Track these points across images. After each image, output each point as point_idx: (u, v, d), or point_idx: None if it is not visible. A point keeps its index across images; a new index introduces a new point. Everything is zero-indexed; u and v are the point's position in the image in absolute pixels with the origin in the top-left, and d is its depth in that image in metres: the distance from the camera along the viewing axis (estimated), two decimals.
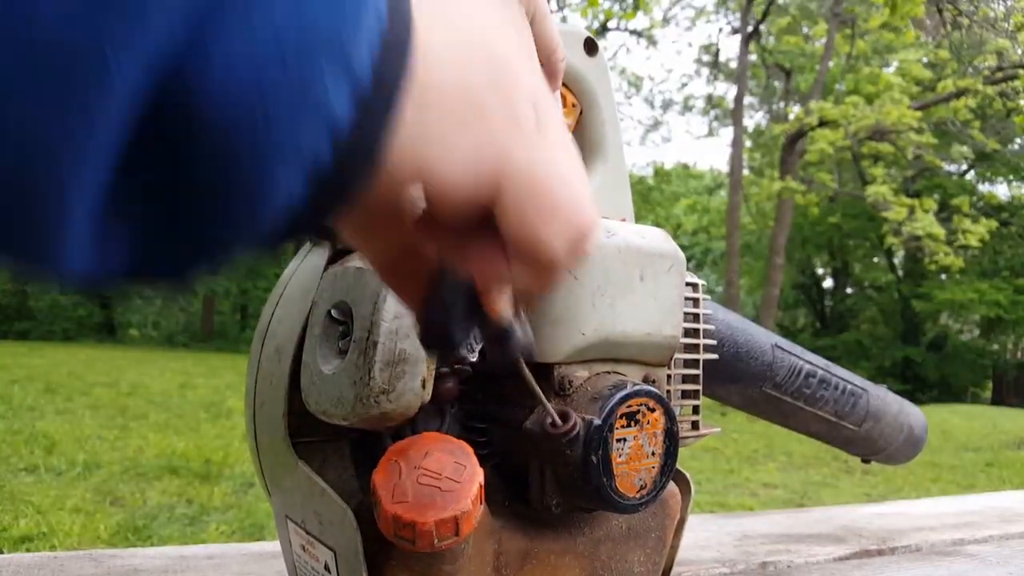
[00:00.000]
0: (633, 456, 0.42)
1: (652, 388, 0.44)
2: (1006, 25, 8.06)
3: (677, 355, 0.51)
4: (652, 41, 15.45)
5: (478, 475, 0.37)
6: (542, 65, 0.47)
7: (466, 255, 0.25)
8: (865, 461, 0.81)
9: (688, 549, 0.77)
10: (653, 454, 0.43)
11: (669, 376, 0.51)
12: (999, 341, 17.74)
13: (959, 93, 8.85)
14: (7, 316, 14.48)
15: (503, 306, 0.26)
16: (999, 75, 8.73)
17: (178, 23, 0.15)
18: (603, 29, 11.64)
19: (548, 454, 0.42)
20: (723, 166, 20.93)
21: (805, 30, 12.07)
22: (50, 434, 3.94)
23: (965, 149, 10.05)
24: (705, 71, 16.70)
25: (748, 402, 0.67)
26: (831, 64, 10.83)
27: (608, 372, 0.45)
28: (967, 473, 5.17)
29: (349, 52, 0.17)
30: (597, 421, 0.41)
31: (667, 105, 18.89)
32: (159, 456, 3.70)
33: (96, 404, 5.35)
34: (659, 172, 18.50)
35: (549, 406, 0.40)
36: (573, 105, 0.52)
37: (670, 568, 0.53)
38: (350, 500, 0.41)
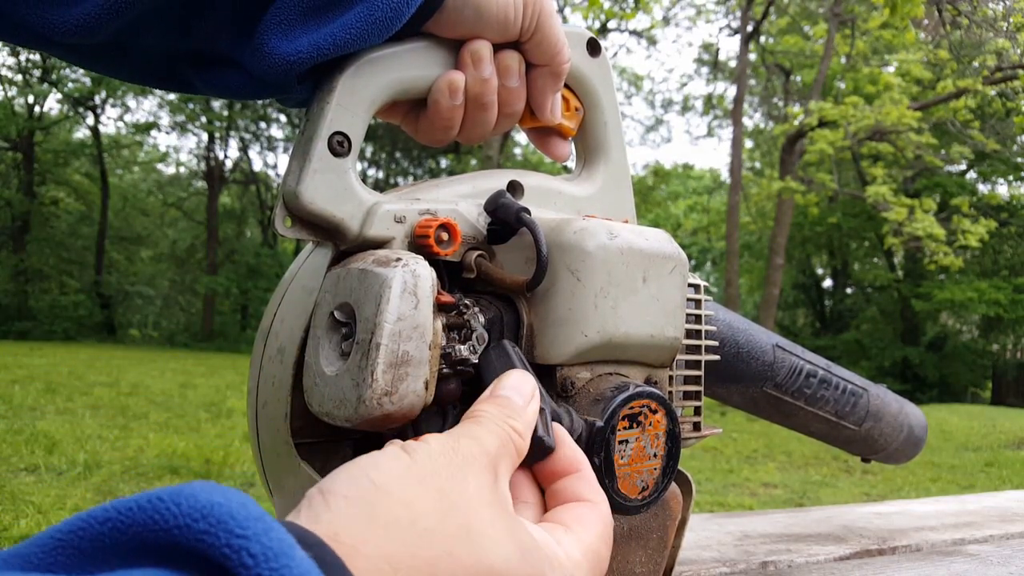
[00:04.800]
0: (635, 457, 0.43)
1: (654, 390, 0.44)
2: (1005, 25, 8.06)
3: (679, 356, 0.51)
4: (652, 41, 15.44)
5: None
6: (546, 66, 0.47)
7: None
8: (865, 460, 0.81)
9: (689, 549, 0.77)
10: (655, 455, 0.44)
11: (671, 377, 0.51)
12: (999, 341, 17.74)
13: (959, 93, 8.85)
14: (7, 316, 14.47)
15: None
16: (999, 75, 8.72)
17: None
18: (603, 29, 11.63)
19: None
20: (722, 167, 20.95)
21: (806, 29, 12.07)
22: (51, 434, 3.94)
23: (965, 149, 10.03)
24: (705, 71, 16.69)
25: (749, 402, 0.67)
26: (831, 63, 10.82)
27: (610, 373, 0.45)
28: (967, 473, 5.17)
29: None
30: (599, 423, 0.41)
31: (667, 105, 18.90)
32: (159, 456, 3.70)
33: (96, 404, 5.35)
34: (658, 172, 18.50)
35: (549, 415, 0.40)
36: (576, 109, 0.52)
37: (671, 568, 0.53)
38: None
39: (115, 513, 0.20)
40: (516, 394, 0.34)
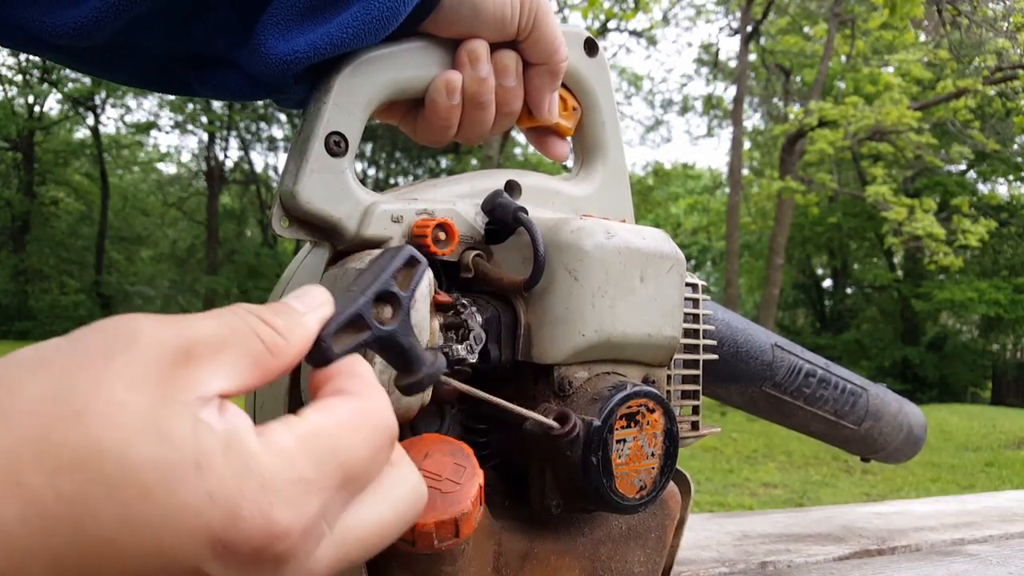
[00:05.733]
0: (633, 457, 0.43)
1: (652, 389, 0.44)
2: (1005, 25, 8.06)
3: (677, 355, 0.51)
4: (652, 41, 15.44)
5: (478, 476, 0.38)
6: (543, 65, 0.47)
7: None
8: (864, 460, 0.81)
9: (688, 549, 0.77)
10: (653, 455, 0.44)
11: (669, 376, 0.51)
12: (999, 341, 17.74)
13: (959, 93, 8.84)
14: (7, 316, 14.47)
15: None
16: (999, 75, 8.72)
17: None
18: (603, 29, 11.63)
19: (548, 455, 0.42)
20: (722, 166, 20.96)
21: (806, 29, 12.07)
22: None
23: (965, 149, 10.03)
24: (705, 71, 16.69)
25: (748, 401, 0.67)
26: (831, 64, 10.83)
27: (608, 373, 0.45)
28: (967, 473, 5.17)
29: None
30: (597, 422, 0.41)
31: (667, 105, 18.90)
32: None
33: None
34: (658, 172, 18.50)
35: (538, 416, 0.40)
36: (574, 108, 0.52)
37: (670, 568, 0.53)
38: None
39: None
40: (295, 298, 0.29)
